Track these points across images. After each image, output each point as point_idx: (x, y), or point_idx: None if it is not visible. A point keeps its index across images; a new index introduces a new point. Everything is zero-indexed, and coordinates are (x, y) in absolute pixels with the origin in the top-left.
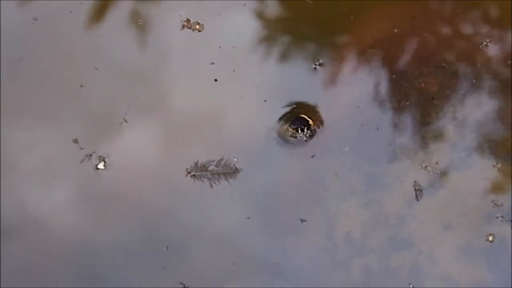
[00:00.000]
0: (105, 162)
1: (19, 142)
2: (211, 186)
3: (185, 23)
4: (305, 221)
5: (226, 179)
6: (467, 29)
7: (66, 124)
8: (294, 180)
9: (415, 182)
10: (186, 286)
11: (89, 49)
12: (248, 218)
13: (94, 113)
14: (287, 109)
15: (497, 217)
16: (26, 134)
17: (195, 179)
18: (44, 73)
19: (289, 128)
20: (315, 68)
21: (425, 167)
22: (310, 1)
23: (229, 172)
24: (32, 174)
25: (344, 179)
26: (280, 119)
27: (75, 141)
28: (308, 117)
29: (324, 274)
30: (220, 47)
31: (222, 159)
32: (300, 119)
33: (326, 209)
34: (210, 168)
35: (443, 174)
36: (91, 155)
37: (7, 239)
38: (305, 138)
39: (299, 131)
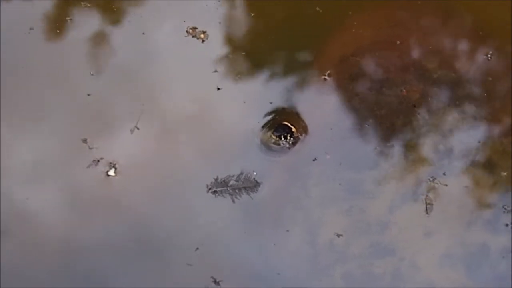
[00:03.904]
0: (115, 169)
1: (27, 153)
2: (233, 201)
3: (191, 30)
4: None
5: (248, 193)
6: (449, 37)
7: (74, 132)
8: (276, 188)
9: (426, 196)
10: (217, 280)
11: (89, 57)
12: (287, 230)
13: (103, 121)
14: (271, 116)
15: (507, 225)
16: (34, 142)
17: (217, 195)
18: (45, 82)
19: (272, 135)
20: (324, 79)
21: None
22: (320, 10)
23: (250, 186)
24: (37, 177)
25: (325, 186)
26: (263, 126)
27: (84, 140)
28: (291, 125)
29: (306, 281)
30: (231, 56)
31: (241, 173)
32: (283, 126)
33: (308, 216)
34: (230, 183)
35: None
36: (98, 161)
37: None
38: (288, 146)
39: (282, 139)
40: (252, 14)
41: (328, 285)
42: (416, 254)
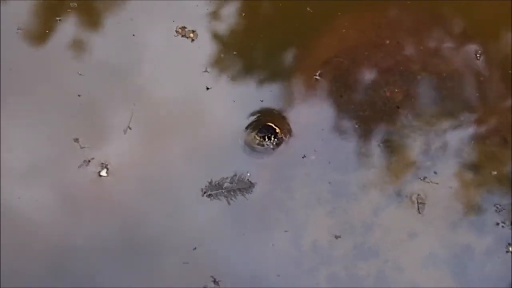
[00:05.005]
0: (107, 169)
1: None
2: (229, 203)
3: (180, 29)
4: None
5: (243, 195)
6: (432, 38)
7: (65, 131)
8: (261, 189)
9: (418, 195)
10: (217, 280)
11: (78, 58)
12: (286, 231)
13: (94, 120)
14: (255, 117)
15: (498, 223)
16: (25, 141)
17: (212, 198)
18: (35, 82)
19: (256, 136)
20: (316, 79)
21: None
22: (311, 10)
23: (245, 187)
24: (29, 177)
25: (310, 188)
26: (247, 127)
27: (76, 140)
28: (275, 126)
29: (291, 283)
30: (220, 55)
31: (235, 175)
32: (267, 127)
33: (293, 218)
34: (225, 185)
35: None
36: (89, 161)
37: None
38: (272, 146)
39: (266, 139)
40: (243, 14)
41: (313, 287)
42: (401, 255)
